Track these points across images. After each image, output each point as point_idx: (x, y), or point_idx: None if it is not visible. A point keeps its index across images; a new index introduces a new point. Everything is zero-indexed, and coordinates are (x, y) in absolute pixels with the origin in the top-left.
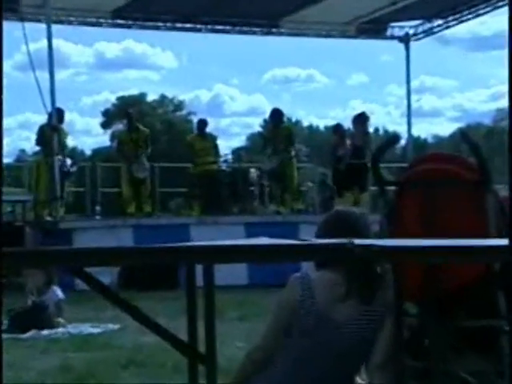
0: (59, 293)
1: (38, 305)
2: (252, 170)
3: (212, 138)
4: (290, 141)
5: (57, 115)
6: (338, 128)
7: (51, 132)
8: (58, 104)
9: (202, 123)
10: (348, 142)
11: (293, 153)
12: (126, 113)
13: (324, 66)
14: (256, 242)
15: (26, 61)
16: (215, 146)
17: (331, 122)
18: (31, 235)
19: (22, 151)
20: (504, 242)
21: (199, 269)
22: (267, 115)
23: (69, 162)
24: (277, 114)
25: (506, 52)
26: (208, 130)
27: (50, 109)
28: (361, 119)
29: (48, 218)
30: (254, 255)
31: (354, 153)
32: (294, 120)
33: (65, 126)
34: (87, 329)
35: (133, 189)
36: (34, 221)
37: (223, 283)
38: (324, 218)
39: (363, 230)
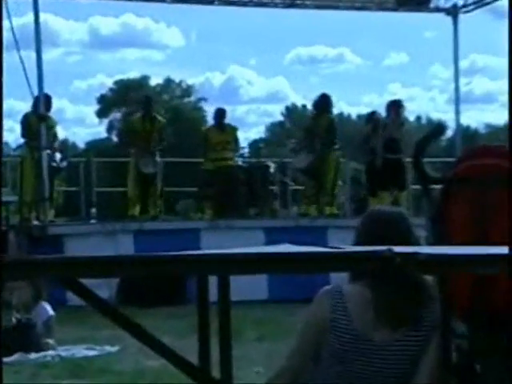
0: (49, 309)
1: (25, 323)
2: (272, 166)
3: (232, 130)
4: (332, 133)
5: (44, 102)
6: (372, 116)
7: (38, 122)
8: (46, 89)
9: (220, 113)
10: (381, 132)
11: (335, 147)
12: (145, 97)
13: (357, 43)
14: (277, 250)
15: (9, 38)
16: (236, 140)
17: (365, 110)
18: (16, 242)
19: (5, 144)
20: None
21: (212, 281)
22: (290, 102)
23: (58, 156)
24: (325, 100)
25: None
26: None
27: (36, 94)
28: (394, 107)
29: (35, 222)
30: (275, 265)
31: (387, 145)
32: None
33: (53, 115)
34: (81, 351)
35: (140, 188)
36: (18, 225)
37: (240, 298)
38: (360, 219)
39: (406, 235)
